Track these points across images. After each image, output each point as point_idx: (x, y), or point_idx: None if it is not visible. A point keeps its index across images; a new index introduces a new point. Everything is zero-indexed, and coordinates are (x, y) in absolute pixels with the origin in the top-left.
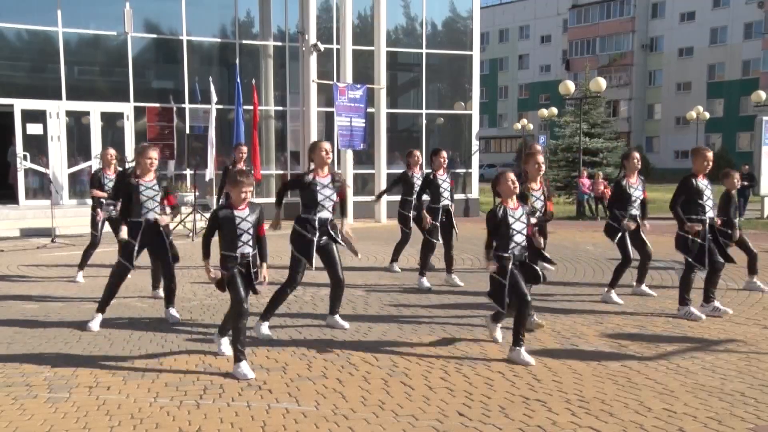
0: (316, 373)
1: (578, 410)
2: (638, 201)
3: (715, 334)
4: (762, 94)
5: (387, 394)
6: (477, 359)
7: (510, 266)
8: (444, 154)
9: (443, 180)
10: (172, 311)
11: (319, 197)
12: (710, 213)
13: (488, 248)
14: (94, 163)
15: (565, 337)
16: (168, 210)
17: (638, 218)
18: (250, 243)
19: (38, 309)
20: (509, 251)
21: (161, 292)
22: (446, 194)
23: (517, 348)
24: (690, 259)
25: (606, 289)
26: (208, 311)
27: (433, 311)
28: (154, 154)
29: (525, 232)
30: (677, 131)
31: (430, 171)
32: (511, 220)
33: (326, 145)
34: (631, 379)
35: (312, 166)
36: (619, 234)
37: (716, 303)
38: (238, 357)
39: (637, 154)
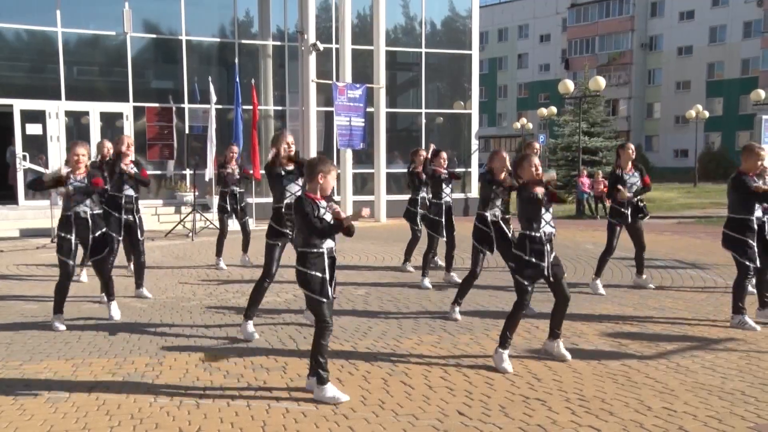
0: None
1: (578, 409)
2: (635, 187)
3: (715, 333)
4: (761, 92)
5: (387, 394)
6: (477, 358)
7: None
8: (444, 154)
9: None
10: (113, 308)
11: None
12: (759, 212)
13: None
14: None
15: (565, 336)
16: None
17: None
18: (333, 236)
19: (38, 309)
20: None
21: (145, 292)
22: (447, 190)
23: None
24: (741, 259)
25: (592, 277)
26: (207, 311)
27: (433, 310)
28: (81, 150)
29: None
30: (676, 130)
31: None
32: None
33: (290, 138)
34: (631, 378)
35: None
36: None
37: None
38: (321, 376)
39: (632, 146)
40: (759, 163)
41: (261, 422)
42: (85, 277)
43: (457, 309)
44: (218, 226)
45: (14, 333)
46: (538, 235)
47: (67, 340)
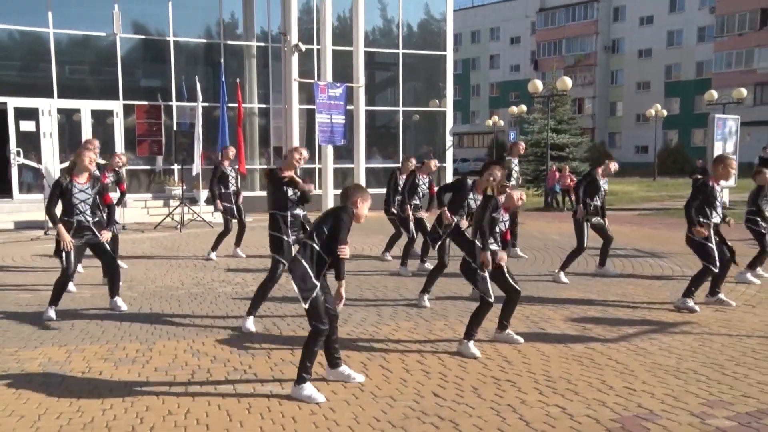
0: (299, 358)
1: (546, 389)
2: (601, 193)
3: (671, 317)
4: (714, 93)
5: (366, 377)
6: (451, 343)
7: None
8: (413, 160)
9: (423, 182)
10: (118, 301)
11: (289, 194)
12: (716, 219)
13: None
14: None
15: (534, 321)
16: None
17: (600, 211)
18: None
19: (33, 298)
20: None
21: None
22: (421, 193)
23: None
24: (706, 263)
25: (557, 269)
26: (195, 300)
27: (409, 298)
28: (91, 155)
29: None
30: (637, 127)
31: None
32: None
33: (305, 152)
34: (595, 359)
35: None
36: (583, 222)
37: (721, 295)
38: (303, 377)
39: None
40: (731, 171)
41: (246, 404)
42: (73, 287)
43: (426, 297)
44: (223, 223)
45: (10, 321)
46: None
47: (61, 328)
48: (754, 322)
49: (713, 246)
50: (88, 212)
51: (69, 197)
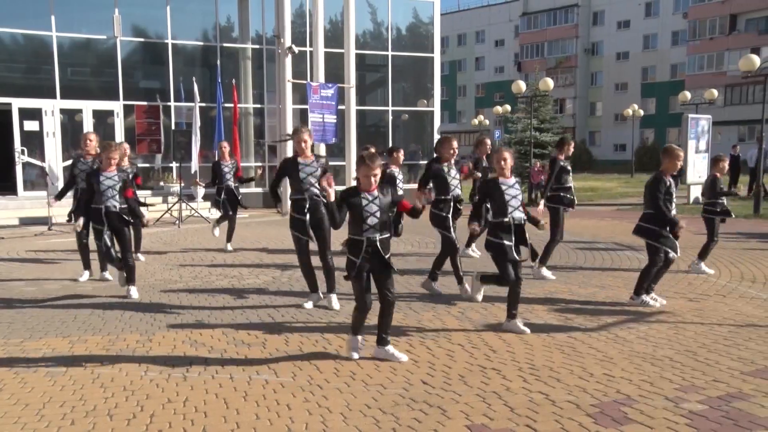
0: (293, 348)
1: (529, 377)
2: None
3: (648, 308)
4: (687, 94)
5: (357, 366)
6: (439, 332)
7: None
8: (401, 152)
9: (397, 173)
10: (132, 290)
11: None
12: (673, 211)
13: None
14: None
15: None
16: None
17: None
18: (377, 226)
19: (37, 291)
20: (508, 216)
21: (108, 275)
22: (400, 185)
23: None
24: (660, 247)
25: (536, 265)
26: (193, 292)
27: (399, 291)
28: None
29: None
30: (616, 126)
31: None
32: (504, 187)
33: (305, 135)
34: (576, 348)
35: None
36: (560, 211)
37: (653, 295)
38: (351, 334)
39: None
40: (678, 163)
41: (243, 393)
42: (85, 276)
43: (435, 284)
44: (223, 216)
45: (15, 313)
46: (506, 220)
47: (64, 320)
48: (724, 311)
49: (668, 236)
50: (117, 197)
51: (97, 185)
